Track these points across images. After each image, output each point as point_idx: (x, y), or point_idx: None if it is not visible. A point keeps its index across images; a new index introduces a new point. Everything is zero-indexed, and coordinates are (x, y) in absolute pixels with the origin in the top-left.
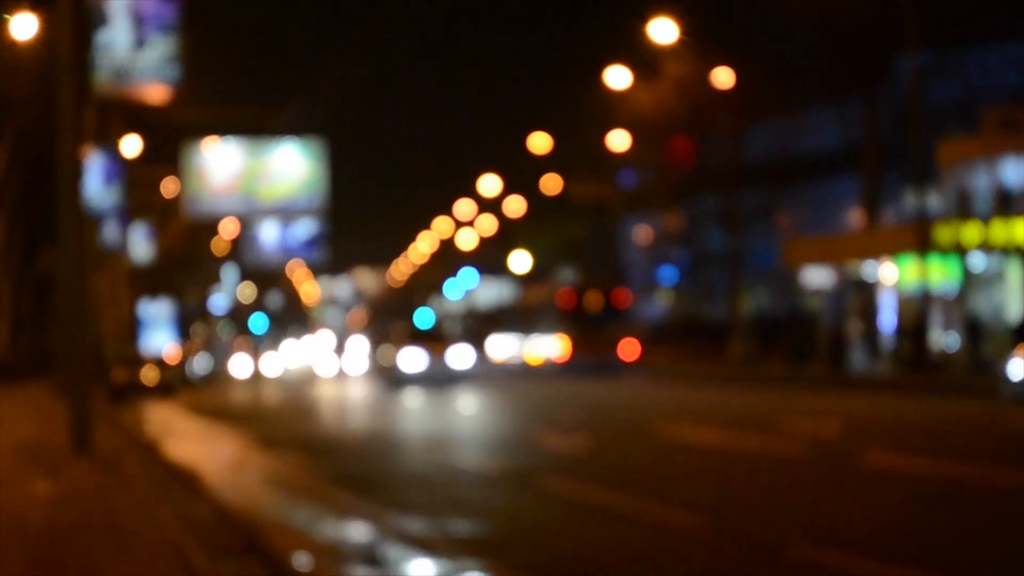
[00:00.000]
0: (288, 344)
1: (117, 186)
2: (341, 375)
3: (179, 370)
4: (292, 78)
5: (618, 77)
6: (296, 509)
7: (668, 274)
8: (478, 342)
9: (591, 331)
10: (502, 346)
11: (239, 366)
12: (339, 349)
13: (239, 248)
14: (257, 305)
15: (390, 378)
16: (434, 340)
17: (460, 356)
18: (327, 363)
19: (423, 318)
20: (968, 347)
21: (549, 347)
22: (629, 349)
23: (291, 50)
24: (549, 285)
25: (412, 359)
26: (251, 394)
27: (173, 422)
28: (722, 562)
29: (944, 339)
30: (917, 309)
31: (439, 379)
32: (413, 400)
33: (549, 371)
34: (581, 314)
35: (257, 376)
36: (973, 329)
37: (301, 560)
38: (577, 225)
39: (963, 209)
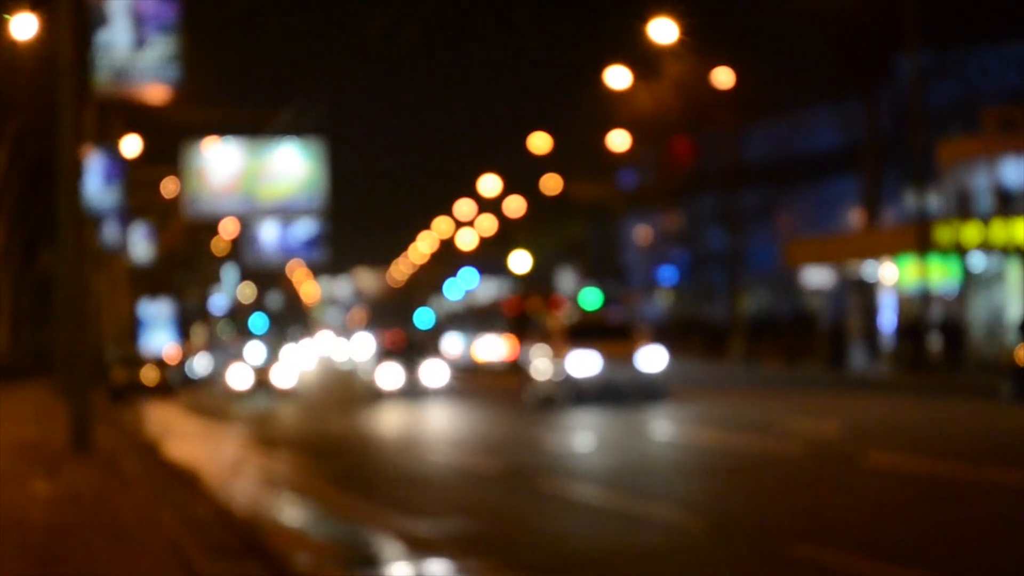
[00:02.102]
0: (292, 348)
1: (117, 186)
2: (415, 389)
3: (179, 370)
4: (292, 78)
5: (618, 77)
6: (297, 510)
7: (668, 274)
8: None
9: (532, 332)
10: (454, 345)
11: (237, 376)
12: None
13: (239, 248)
14: (257, 305)
15: (550, 392)
16: (613, 338)
17: (651, 357)
18: (391, 373)
19: (423, 318)
20: (946, 349)
21: (496, 346)
22: None
23: (291, 50)
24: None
25: (583, 363)
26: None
27: (173, 422)
28: (722, 562)
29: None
30: (915, 310)
31: (622, 390)
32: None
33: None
34: (523, 318)
35: (264, 387)
36: (952, 332)
37: (302, 560)
38: (577, 225)
39: (963, 209)
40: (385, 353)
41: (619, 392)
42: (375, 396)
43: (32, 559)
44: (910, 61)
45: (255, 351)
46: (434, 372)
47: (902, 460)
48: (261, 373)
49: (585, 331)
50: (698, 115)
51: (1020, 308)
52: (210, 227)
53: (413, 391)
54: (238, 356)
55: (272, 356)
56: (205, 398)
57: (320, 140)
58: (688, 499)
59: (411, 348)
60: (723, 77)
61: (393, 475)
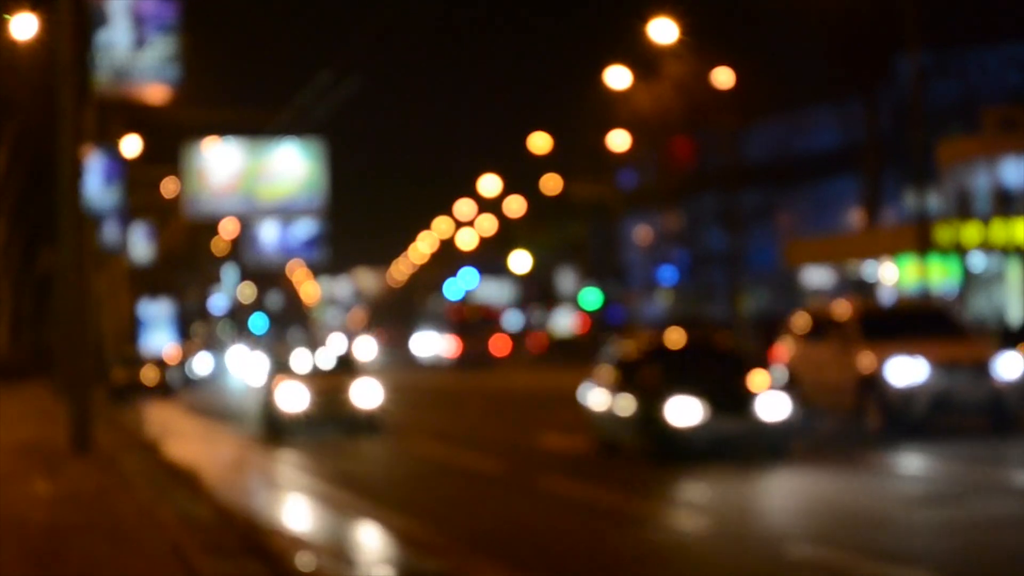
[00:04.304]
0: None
1: (117, 186)
2: (741, 438)
3: (179, 370)
4: (292, 78)
5: (618, 77)
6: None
7: (668, 274)
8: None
9: (472, 334)
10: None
11: (289, 393)
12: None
13: (239, 248)
14: (257, 305)
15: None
16: (938, 336)
17: (1005, 365)
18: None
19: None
20: None
21: (440, 345)
22: (500, 345)
23: (291, 50)
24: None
25: (902, 370)
26: None
27: (173, 422)
28: (723, 561)
29: None
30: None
31: (964, 411)
32: None
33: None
34: (464, 322)
35: (338, 410)
36: None
37: (302, 560)
38: (577, 225)
39: (963, 209)
40: (665, 368)
41: (957, 413)
42: (671, 449)
43: (32, 559)
44: (910, 61)
45: (321, 353)
46: (774, 406)
47: (901, 460)
48: (331, 387)
49: (892, 326)
50: (698, 115)
51: (1020, 308)
52: (210, 227)
53: (737, 441)
54: (288, 361)
55: (347, 360)
56: (205, 400)
57: (320, 140)
58: None
59: (722, 361)
60: (723, 77)
61: None
